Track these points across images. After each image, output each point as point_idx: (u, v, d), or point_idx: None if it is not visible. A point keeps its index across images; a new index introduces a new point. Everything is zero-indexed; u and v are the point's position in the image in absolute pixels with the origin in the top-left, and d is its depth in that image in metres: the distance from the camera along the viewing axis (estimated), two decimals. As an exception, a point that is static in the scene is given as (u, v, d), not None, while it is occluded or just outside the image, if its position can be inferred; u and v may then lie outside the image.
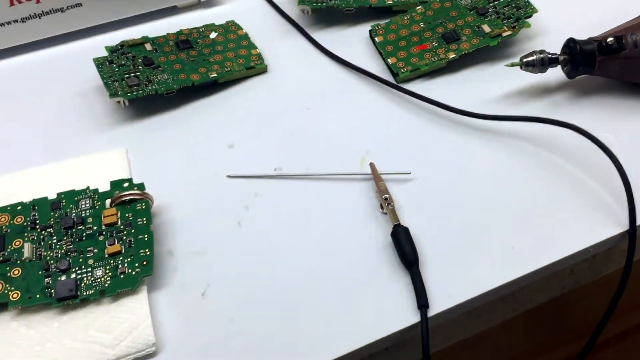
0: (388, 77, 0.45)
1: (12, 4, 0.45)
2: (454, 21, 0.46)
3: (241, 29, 0.48)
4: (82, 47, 0.48)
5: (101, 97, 0.45)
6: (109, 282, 0.33)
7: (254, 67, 0.46)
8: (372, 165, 0.39)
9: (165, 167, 0.40)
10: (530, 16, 0.45)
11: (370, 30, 0.47)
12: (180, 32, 0.47)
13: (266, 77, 0.46)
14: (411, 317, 0.33)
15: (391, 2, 0.48)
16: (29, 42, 0.48)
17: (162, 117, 0.44)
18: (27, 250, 0.34)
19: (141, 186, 0.37)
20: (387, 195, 0.37)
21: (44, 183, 0.39)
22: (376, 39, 0.46)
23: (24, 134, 0.43)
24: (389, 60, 0.45)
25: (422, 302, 0.33)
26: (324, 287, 0.34)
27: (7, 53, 0.48)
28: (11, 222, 0.36)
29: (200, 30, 0.48)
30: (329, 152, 0.41)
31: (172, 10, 0.51)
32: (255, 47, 0.47)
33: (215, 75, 0.44)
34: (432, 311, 0.33)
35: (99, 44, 0.48)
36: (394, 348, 0.34)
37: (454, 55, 0.44)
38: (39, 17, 0.46)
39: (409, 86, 0.44)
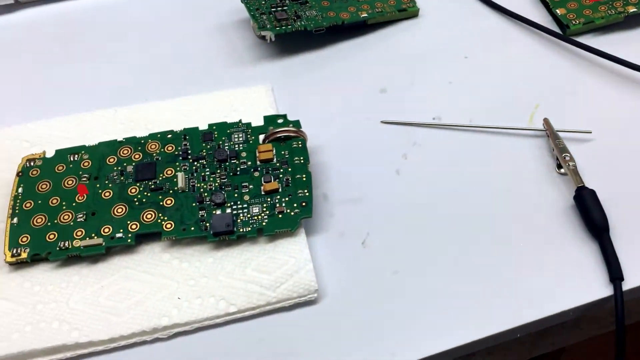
0: (554, 28, 0.41)
1: None
2: (633, -28, 0.41)
3: (389, -30, 0.45)
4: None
5: (242, 31, 0.42)
6: (266, 220, 0.31)
7: (406, 9, 0.42)
8: (546, 120, 0.35)
9: (312, 108, 0.38)
10: None
11: (533, -21, 0.43)
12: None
13: (418, 21, 0.42)
14: (600, 290, 0.29)
15: (366, 14, 0.42)
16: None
17: (307, 56, 0.41)
18: (180, 180, 0.32)
19: (297, 123, 0.34)
20: (567, 154, 0.33)
21: (188, 113, 0.37)
22: (541, -13, 0.42)
23: (162, 64, 0.41)
24: (557, 11, 0.41)
25: (616, 274, 0.29)
26: (495, 248, 0.31)
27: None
28: (162, 149, 0.34)
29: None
30: (492, 104, 0.37)
31: (313, -52, 0.48)
32: (407, -10, 0.43)
33: (365, 15, 0.41)
34: (626, 285, 0.29)
35: None
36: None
37: (634, 9, 0.39)
38: (180, -55, 0.44)
39: (580, 40, 0.40)
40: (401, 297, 0.30)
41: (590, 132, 0.35)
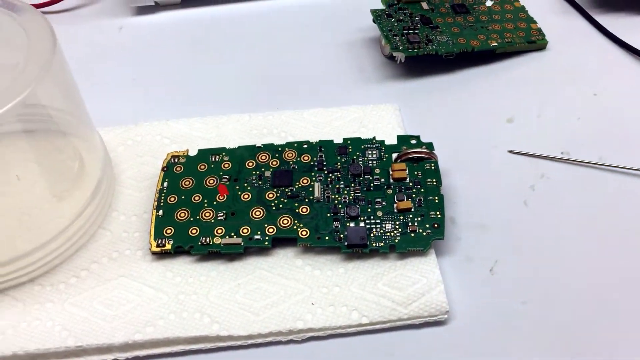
0: (687, 73, 0.40)
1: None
2: None
3: (517, 0, 0.45)
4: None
5: (369, 49, 0.44)
6: (398, 237, 0.31)
7: (535, 41, 0.42)
8: (683, 166, 0.35)
9: (439, 132, 0.38)
10: None
11: (666, 21, 0.43)
12: (450, -8, 0.45)
13: (545, 55, 0.43)
14: None
15: (496, 43, 0.43)
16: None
17: (435, 79, 0.41)
18: (316, 190, 0.33)
19: (430, 146, 0.35)
20: None
21: (319, 125, 0.38)
22: (675, 30, 0.42)
23: (291, 75, 0.42)
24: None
25: None
26: (622, 295, 0.31)
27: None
28: (298, 159, 0.35)
29: (475, -4, 0.45)
30: (623, 143, 0.37)
31: (440, -27, 0.49)
32: (535, 22, 0.43)
33: (495, 44, 0.41)
34: None
35: None
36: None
37: None
38: (316, -38, 0.46)
39: None
40: (528, 327, 0.30)
41: None
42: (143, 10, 0.47)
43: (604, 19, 0.44)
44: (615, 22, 0.44)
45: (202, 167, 0.35)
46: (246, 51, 0.44)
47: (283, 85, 0.42)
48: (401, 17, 0.42)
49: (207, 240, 0.32)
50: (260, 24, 0.46)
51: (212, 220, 0.32)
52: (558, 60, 0.42)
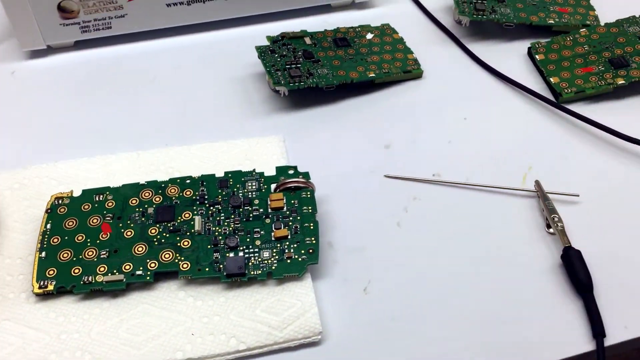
0: (548, 95, 0.44)
1: (183, -15, 0.46)
2: (622, 47, 0.45)
3: (396, 32, 0.48)
4: (240, 34, 0.49)
5: (257, 84, 0.46)
6: (275, 264, 0.33)
7: (411, 71, 0.45)
8: (538, 182, 0.38)
9: (320, 160, 0.40)
10: None
11: (529, 48, 0.47)
12: (337, 30, 0.47)
13: (421, 83, 0.46)
14: (583, 345, 0.32)
15: (553, 21, 0.47)
16: (191, 24, 0.49)
17: (318, 110, 0.44)
18: (197, 224, 0.35)
19: (306, 175, 0.37)
20: (556, 215, 0.36)
21: (205, 159, 0.40)
22: (537, 56, 0.46)
23: (180, 112, 0.44)
24: (551, 79, 0.44)
25: (599, 330, 0.31)
26: (486, 300, 0.33)
27: (170, 32, 0.49)
28: (180, 194, 0.36)
29: (357, 30, 0.48)
30: (488, 163, 0.40)
31: (326, 8, 0.51)
32: (412, 52, 0.47)
33: (373, 75, 0.44)
34: (608, 341, 0.32)
35: (257, 33, 0.49)
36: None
37: (622, 82, 0.43)
38: (203, 2, 0.48)
39: (571, 108, 0.43)
40: (398, 342, 0.32)
41: (578, 195, 0.38)
42: (36, 54, 0.48)
43: (477, 47, 0.48)
44: (485, 50, 0.48)
45: (86, 207, 0.36)
46: (138, 90, 0.45)
47: (174, 122, 0.43)
48: (284, 53, 0.44)
49: (90, 279, 0.33)
50: (153, 62, 0.47)
51: (95, 259, 0.33)
52: (433, 87, 0.45)
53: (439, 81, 0.46)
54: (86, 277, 0.33)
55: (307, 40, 0.46)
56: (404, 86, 0.45)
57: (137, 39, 0.49)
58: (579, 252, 0.34)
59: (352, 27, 0.48)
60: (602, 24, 0.47)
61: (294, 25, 0.50)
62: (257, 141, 0.41)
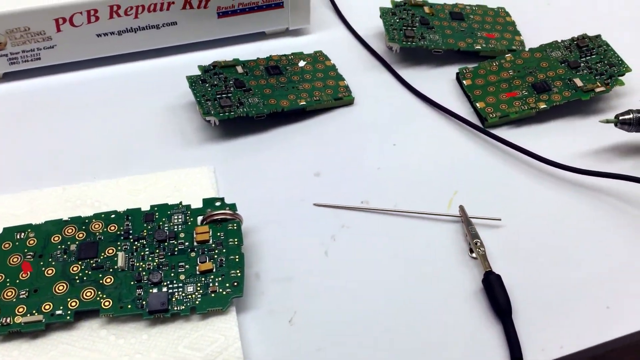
0: (474, 120, 0.45)
1: (111, 17, 0.46)
2: (545, 72, 0.46)
3: (329, 59, 0.49)
4: (173, 63, 0.49)
5: (189, 113, 0.46)
6: (199, 299, 0.33)
7: (342, 98, 0.46)
8: (462, 208, 0.39)
9: (251, 189, 0.41)
10: (623, 74, 0.45)
11: (457, 73, 0.48)
12: (270, 58, 0.48)
13: (352, 109, 0.46)
14: (502, 367, 0.32)
15: (479, 47, 0.49)
16: (123, 53, 0.49)
17: (249, 139, 0.44)
18: (120, 260, 0.34)
19: (233, 206, 0.37)
20: (478, 240, 0.37)
21: (134, 192, 0.39)
22: (464, 82, 0.47)
23: (110, 143, 0.43)
24: (477, 104, 0.45)
25: (517, 354, 0.32)
26: (411, 326, 0.34)
27: (101, 62, 0.49)
28: (105, 229, 0.36)
29: (290, 57, 0.48)
30: (416, 189, 0.41)
31: (260, 36, 0.52)
32: (343, 79, 0.47)
33: (304, 103, 0.45)
34: (525, 364, 0.32)
35: (190, 62, 0.49)
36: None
37: (544, 106, 0.44)
38: (135, 32, 0.47)
39: (496, 132, 0.44)
40: (322, 373, 0.32)
41: (500, 220, 0.39)
42: (-39, 85, 0.47)
43: (407, 73, 0.49)
44: (416, 75, 0.49)
45: (7, 245, 0.35)
46: (67, 121, 0.45)
47: (103, 154, 0.43)
48: (216, 82, 0.45)
49: (8, 321, 0.32)
50: (83, 93, 0.47)
51: (14, 299, 0.33)
52: (364, 114, 0.46)
53: (369, 107, 0.46)
54: (4, 318, 0.32)
55: (239, 69, 0.46)
56: (335, 113, 0.46)
57: (67, 69, 0.48)
58: (498, 276, 0.35)
59: (284, 55, 0.48)
60: (527, 49, 0.48)
61: (227, 53, 0.50)
62: (187, 172, 0.41)
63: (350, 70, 0.49)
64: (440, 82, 0.48)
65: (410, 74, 0.49)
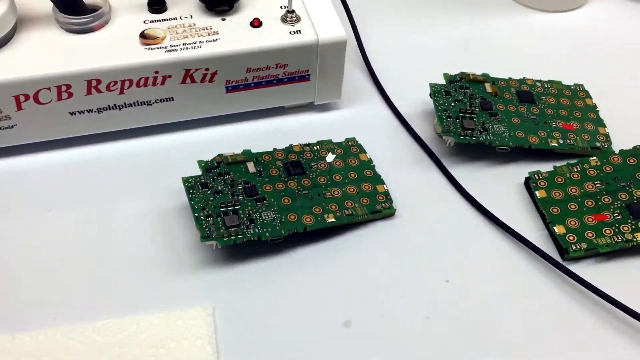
0: (549, 247, 0.35)
1: (89, 93, 0.36)
2: (643, 187, 0.36)
3: (363, 151, 0.39)
4: (163, 143, 0.39)
5: (181, 220, 0.35)
6: None
7: (380, 210, 0.36)
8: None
9: (261, 337, 0.31)
10: None
11: (527, 178, 0.37)
12: (289, 150, 0.38)
13: (392, 225, 0.36)
14: None
15: (555, 144, 0.38)
16: (99, 132, 0.39)
17: (259, 265, 0.34)
18: None
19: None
20: None
21: (104, 347, 0.30)
22: (537, 192, 0.36)
23: (75, 266, 0.33)
24: (555, 229, 0.35)
25: None
26: None
27: (70, 142, 0.38)
28: None
29: (314, 148, 0.38)
30: (474, 343, 0.31)
31: (277, 110, 0.42)
32: (382, 182, 0.37)
33: (333, 220, 0.34)
34: None
35: (183, 142, 0.39)
36: None
37: (644, 238, 0.34)
38: (119, 109, 0.37)
39: (579, 268, 0.34)
40: None
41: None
42: None
43: (461, 171, 0.38)
44: (471, 175, 0.38)
45: None
46: (25, 228, 0.35)
47: (68, 280, 0.33)
48: (220, 187, 0.35)
49: None
50: (43, 183, 0.37)
51: None
52: (407, 231, 0.36)
53: (414, 223, 0.36)
54: None
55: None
56: (370, 229, 0.36)
57: (27, 150, 0.38)
58: None
59: (309, 145, 0.38)
60: (617, 150, 0.38)
61: (232, 133, 0.40)
62: (178, 316, 0.31)
63: (389, 163, 0.39)
64: (503, 185, 0.38)
65: (466, 173, 0.38)
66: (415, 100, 0.42)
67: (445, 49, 0.46)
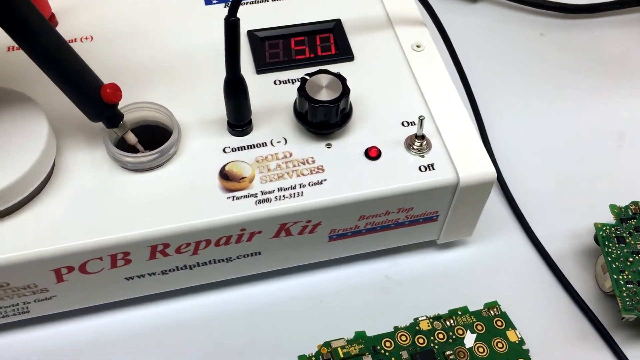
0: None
1: (153, 257, 0.26)
2: None
3: (511, 325, 0.29)
4: (229, 300, 0.30)
5: None
6: None
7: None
8: None
9: None
10: None
11: None
12: (415, 328, 0.28)
13: None
14: None
15: None
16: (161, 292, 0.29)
17: None
18: None
19: None
20: None
21: None
22: None
23: None
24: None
25: None
26: None
27: (123, 304, 0.29)
28: None
29: (447, 324, 0.28)
30: None
31: (388, 249, 0.32)
32: (537, 376, 0.28)
33: None
34: None
35: (255, 297, 0.30)
36: None
37: None
38: (190, 269, 0.28)
39: None
40: None
41: None
42: None
43: (636, 353, 0.29)
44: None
45: None
46: None
47: None
48: None
49: None
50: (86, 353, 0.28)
51: None
52: None
53: None
54: None
55: None
56: None
57: (69, 315, 0.29)
58: None
59: (439, 318, 0.28)
60: None
61: (327, 282, 0.31)
62: None
63: (537, 330, 0.29)
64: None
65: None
66: (565, 232, 0.32)
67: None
